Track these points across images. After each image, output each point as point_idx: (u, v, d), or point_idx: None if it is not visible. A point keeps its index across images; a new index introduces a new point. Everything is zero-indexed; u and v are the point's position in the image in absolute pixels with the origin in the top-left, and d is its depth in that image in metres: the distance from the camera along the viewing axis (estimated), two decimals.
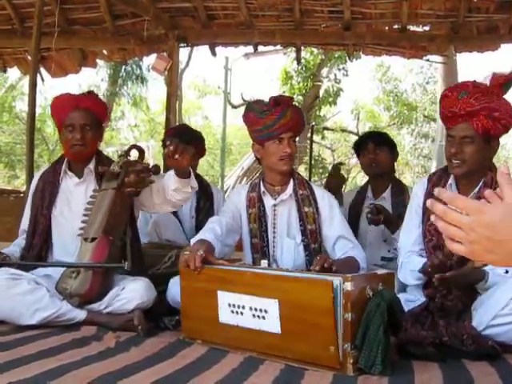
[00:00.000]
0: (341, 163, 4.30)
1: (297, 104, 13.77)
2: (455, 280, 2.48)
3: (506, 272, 2.56)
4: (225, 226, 2.96)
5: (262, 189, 3.12)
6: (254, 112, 3.05)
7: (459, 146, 2.65)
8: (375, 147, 3.90)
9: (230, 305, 2.47)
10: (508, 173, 1.12)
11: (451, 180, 2.81)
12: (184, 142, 3.89)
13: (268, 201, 3.11)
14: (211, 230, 2.88)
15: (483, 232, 1.07)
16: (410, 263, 2.81)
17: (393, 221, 3.53)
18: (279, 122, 2.97)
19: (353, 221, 3.86)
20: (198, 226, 3.80)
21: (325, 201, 3.09)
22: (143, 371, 2.16)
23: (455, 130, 2.68)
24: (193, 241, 2.82)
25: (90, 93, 3.46)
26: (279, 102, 3.04)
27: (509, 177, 1.11)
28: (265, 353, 2.38)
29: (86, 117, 3.20)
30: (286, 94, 3.34)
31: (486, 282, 2.52)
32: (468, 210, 1.09)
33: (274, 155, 3.03)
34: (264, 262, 2.69)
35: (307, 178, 4.51)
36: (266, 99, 3.10)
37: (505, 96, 2.71)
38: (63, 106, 3.27)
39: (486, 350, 2.36)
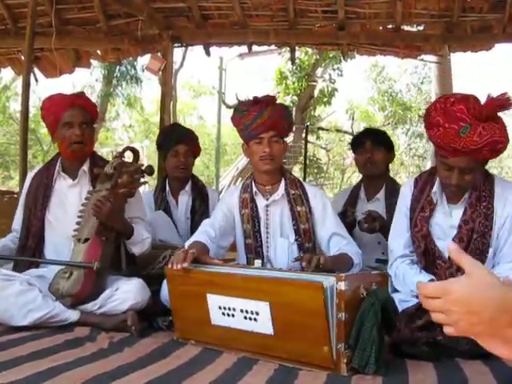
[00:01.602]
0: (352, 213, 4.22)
1: (291, 104, 13.80)
2: None
3: None
4: (218, 229, 2.97)
5: (254, 189, 3.11)
6: (237, 112, 3.07)
7: (459, 176, 2.55)
8: (372, 146, 3.84)
9: (220, 307, 2.45)
10: (456, 248, 1.12)
11: (435, 188, 2.75)
12: (176, 140, 3.93)
13: (260, 201, 3.10)
14: (205, 233, 2.89)
15: (460, 309, 1.07)
16: (407, 278, 2.75)
17: (388, 228, 3.50)
18: (256, 121, 2.95)
19: (346, 223, 3.82)
20: (194, 228, 3.80)
21: (317, 199, 3.08)
22: (136, 372, 2.16)
23: (454, 161, 2.52)
24: (187, 243, 2.83)
25: (82, 93, 3.47)
26: (259, 101, 3.01)
27: (458, 251, 1.11)
28: (259, 353, 2.38)
29: (84, 114, 3.22)
30: (271, 94, 3.23)
31: None
32: (437, 294, 1.09)
33: (256, 155, 3.02)
34: (258, 262, 2.69)
35: (302, 178, 4.50)
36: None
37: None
38: (58, 104, 3.24)
39: (481, 348, 2.35)
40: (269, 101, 3.03)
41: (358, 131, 5.41)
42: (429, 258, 2.75)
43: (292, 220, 3.05)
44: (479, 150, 2.44)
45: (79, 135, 3.16)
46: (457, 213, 2.72)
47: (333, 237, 3.02)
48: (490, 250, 2.64)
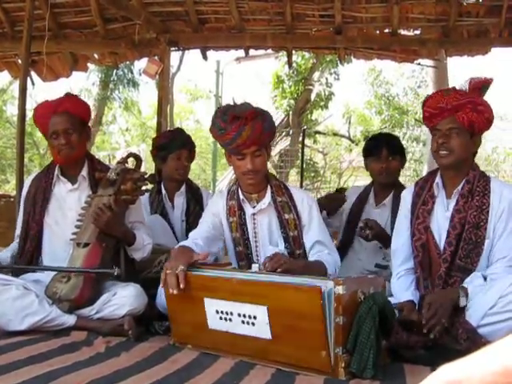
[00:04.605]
0: (344, 189, 4.12)
1: (288, 108, 13.79)
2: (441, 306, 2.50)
3: (485, 279, 2.62)
4: (206, 238, 2.93)
5: (241, 196, 3.05)
6: (215, 127, 2.92)
7: (446, 136, 2.73)
8: (388, 155, 3.71)
9: (217, 311, 2.45)
10: None
11: (437, 179, 2.85)
12: (181, 144, 3.97)
13: (248, 209, 3.05)
14: (190, 240, 2.89)
15: None
16: (398, 295, 2.79)
17: (385, 236, 3.49)
18: (236, 141, 2.84)
19: (351, 224, 3.82)
20: (189, 230, 3.81)
21: (304, 204, 3.03)
22: (133, 376, 2.15)
23: (441, 123, 2.76)
24: (172, 251, 2.79)
25: (67, 95, 3.35)
26: (238, 117, 2.84)
27: None
28: (256, 357, 2.37)
29: (68, 120, 3.14)
30: (250, 104, 3.05)
31: (468, 297, 2.54)
32: None
33: (238, 169, 2.95)
34: (255, 266, 2.67)
35: (300, 182, 4.48)
36: (249, 102, 2.99)
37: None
38: (43, 115, 3.22)
39: (478, 348, 2.35)
40: (247, 117, 2.84)
41: (355, 136, 5.35)
42: (426, 252, 2.79)
43: (280, 228, 3.01)
44: (462, 106, 2.71)
45: (64, 144, 3.11)
46: (452, 205, 2.78)
47: (315, 245, 2.99)
48: (487, 242, 2.68)
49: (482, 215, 2.69)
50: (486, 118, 2.73)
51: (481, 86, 2.80)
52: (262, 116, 2.93)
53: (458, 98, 2.72)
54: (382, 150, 3.71)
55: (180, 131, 4.31)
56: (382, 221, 3.64)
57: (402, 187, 3.88)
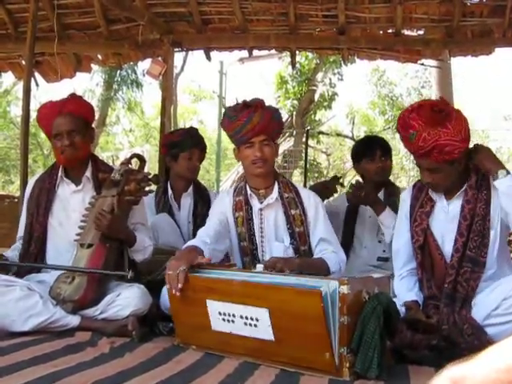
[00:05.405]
0: (341, 179, 4.21)
1: (292, 108, 13.80)
2: None
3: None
4: (213, 236, 2.93)
5: (249, 192, 3.10)
6: (226, 117, 3.06)
7: (428, 175, 2.71)
8: (381, 155, 3.82)
9: (220, 313, 2.44)
10: None
11: None
12: (194, 143, 3.96)
13: (255, 204, 3.10)
14: (199, 238, 2.90)
15: None
16: (400, 295, 2.80)
17: (376, 200, 3.59)
18: (246, 127, 2.94)
19: (349, 225, 3.89)
20: (196, 231, 3.80)
21: (311, 202, 3.09)
22: (138, 377, 2.15)
23: (420, 162, 2.72)
24: (178, 251, 2.81)
25: (72, 96, 3.35)
26: (248, 105, 3.00)
27: None
28: (260, 357, 2.37)
29: (73, 121, 3.14)
30: (265, 98, 3.17)
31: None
32: None
33: (247, 159, 3.02)
34: (260, 266, 2.67)
35: (303, 182, 4.49)
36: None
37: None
38: (47, 116, 3.20)
39: (482, 345, 2.36)
40: (257, 105, 3.01)
41: (358, 136, 5.36)
42: (425, 253, 2.80)
43: (287, 224, 3.05)
44: (429, 153, 2.60)
45: (68, 144, 3.10)
46: (454, 204, 2.76)
47: (320, 242, 3.02)
48: (492, 233, 2.68)
49: (487, 208, 2.69)
50: (458, 153, 2.59)
51: (437, 112, 2.64)
52: (270, 107, 3.11)
53: (421, 146, 2.59)
54: (377, 151, 3.82)
55: (194, 130, 4.26)
56: (376, 219, 3.69)
57: (391, 182, 4.08)
